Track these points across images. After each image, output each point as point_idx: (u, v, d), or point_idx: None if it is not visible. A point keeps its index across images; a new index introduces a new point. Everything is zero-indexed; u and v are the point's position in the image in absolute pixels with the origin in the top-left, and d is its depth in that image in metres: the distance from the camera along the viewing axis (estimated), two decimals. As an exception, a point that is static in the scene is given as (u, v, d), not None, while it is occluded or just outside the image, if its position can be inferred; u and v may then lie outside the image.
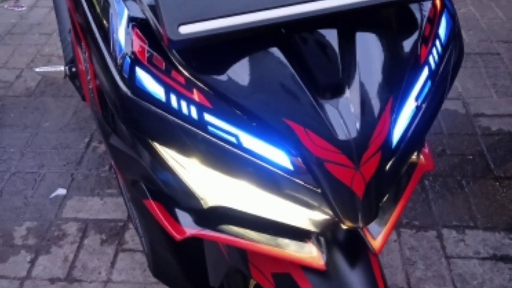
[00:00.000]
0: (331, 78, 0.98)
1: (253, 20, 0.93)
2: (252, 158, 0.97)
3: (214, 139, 0.97)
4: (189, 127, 0.97)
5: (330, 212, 0.99)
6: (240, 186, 1.03)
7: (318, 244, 1.11)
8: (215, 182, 1.05)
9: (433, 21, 1.11)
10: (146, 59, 1.00)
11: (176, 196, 1.12)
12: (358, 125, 0.94)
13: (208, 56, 0.99)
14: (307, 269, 1.12)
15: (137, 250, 2.22)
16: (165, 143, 1.04)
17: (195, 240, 1.18)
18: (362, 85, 0.98)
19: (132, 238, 2.27)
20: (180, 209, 1.14)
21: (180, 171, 1.07)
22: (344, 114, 0.95)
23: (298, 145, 0.94)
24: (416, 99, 1.04)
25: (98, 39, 1.15)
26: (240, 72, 0.97)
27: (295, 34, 1.00)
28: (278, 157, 0.96)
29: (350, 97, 0.96)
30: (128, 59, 1.01)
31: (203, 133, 0.97)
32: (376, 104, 0.97)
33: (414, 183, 1.19)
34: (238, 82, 0.97)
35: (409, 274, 2.10)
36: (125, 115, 1.04)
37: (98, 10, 1.20)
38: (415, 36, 1.07)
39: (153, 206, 1.17)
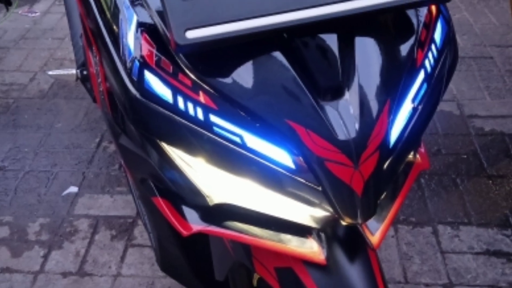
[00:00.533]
0: (331, 80, 0.97)
1: (257, 25, 0.93)
2: (255, 158, 0.97)
3: (219, 139, 0.97)
4: (196, 127, 0.97)
5: (330, 209, 0.99)
6: (244, 184, 1.03)
7: (319, 239, 1.11)
8: (220, 180, 1.05)
9: (429, 26, 1.11)
10: (154, 62, 1.00)
11: (183, 193, 1.12)
12: (357, 126, 0.94)
13: (213, 59, 0.99)
14: (308, 263, 1.12)
15: (145, 246, 2.22)
16: (172, 143, 1.04)
17: (201, 236, 1.18)
18: (361, 88, 0.97)
19: (141, 234, 2.27)
20: (187, 206, 1.14)
21: (187, 170, 1.07)
22: (344, 115, 0.95)
23: (299, 144, 0.94)
24: (413, 101, 1.04)
25: (108, 43, 1.15)
26: (244, 75, 0.97)
27: (297, 38, 1.00)
28: (281, 156, 0.96)
29: (350, 99, 0.96)
30: (137, 63, 1.02)
31: (208, 134, 0.97)
32: (374, 105, 0.97)
33: (411, 181, 1.19)
34: (242, 84, 0.97)
35: (406, 268, 2.10)
36: (134, 116, 1.04)
37: (109, 15, 1.20)
38: (411, 40, 1.07)
39: (161, 203, 1.17)
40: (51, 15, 3.98)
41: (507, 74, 3.13)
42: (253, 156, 0.97)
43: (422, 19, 1.11)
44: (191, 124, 0.97)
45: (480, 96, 2.97)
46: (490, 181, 2.46)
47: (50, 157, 2.69)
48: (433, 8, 1.14)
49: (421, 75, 1.06)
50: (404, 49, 1.06)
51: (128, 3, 1.11)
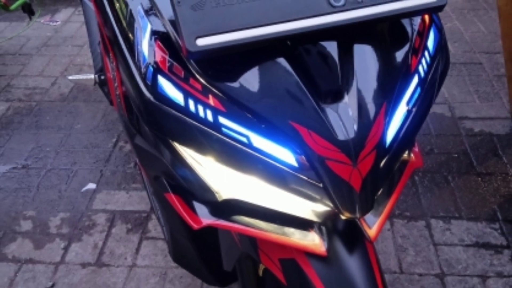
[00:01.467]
0: (331, 85, 0.97)
1: (263, 33, 0.93)
2: (261, 156, 0.96)
3: (227, 139, 0.97)
4: (205, 128, 0.97)
5: (331, 204, 0.99)
6: (250, 181, 1.03)
7: (320, 232, 1.11)
8: (229, 177, 1.05)
9: (422, 34, 1.11)
10: (167, 68, 1.00)
11: (194, 190, 1.11)
12: (355, 127, 0.94)
13: (222, 65, 0.99)
14: (310, 255, 1.12)
15: (159, 238, 2.22)
16: (184, 142, 1.04)
17: (211, 229, 1.18)
18: (359, 91, 0.97)
19: (154, 227, 2.27)
20: (197, 201, 1.13)
21: (197, 168, 1.07)
22: (343, 117, 0.95)
23: (302, 144, 0.94)
24: (407, 103, 1.03)
25: (124, 50, 1.15)
26: (250, 79, 0.97)
27: (300, 46, 1.00)
28: (285, 155, 0.96)
29: (349, 102, 0.96)
30: (151, 68, 1.02)
31: (217, 134, 0.97)
32: (371, 108, 0.97)
33: (406, 178, 1.19)
34: (249, 88, 0.96)
35: (401, 260, 2.09)
36: (148, 118, 1.04)
37: (124, 24, 1.20)
38: (406, 47, 1.07)
39: (173, 199, 1.17)
40: (71, 24, 3.99)
41: (495, 79, 3.12)
42: (259, 155, 0.96)
43: (416, 27, 1.10)
44: (201, 125, 0.97)
45: (470, 99, 2.97)
46: (479, 178, 2.45)
47: (70, 156, 2.69)
48: (426, 17, 1.13)
49: (415, 80, 1.06)
50: (399, 55, 1.06)
51: (142, 12, 1.12)
